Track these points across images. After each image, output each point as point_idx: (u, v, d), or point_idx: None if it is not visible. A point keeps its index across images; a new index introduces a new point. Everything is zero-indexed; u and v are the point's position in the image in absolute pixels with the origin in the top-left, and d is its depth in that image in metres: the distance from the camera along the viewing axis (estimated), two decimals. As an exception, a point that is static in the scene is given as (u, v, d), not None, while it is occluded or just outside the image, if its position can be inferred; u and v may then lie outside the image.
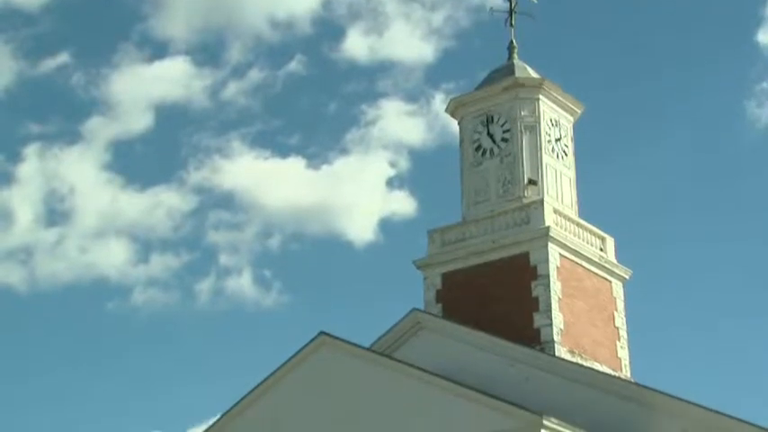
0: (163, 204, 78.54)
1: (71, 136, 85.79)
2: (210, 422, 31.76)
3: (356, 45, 79.56)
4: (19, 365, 79.31)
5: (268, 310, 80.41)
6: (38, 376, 79.49)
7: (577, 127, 39.05)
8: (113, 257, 78.18)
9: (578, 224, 36.39)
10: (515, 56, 38.93)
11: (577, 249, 35.48)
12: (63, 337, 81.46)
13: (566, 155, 38.09)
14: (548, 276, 34.08)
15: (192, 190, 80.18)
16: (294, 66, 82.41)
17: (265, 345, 75.80)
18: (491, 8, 40.05)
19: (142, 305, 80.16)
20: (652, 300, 65.92)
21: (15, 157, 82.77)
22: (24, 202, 77.99)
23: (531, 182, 36.44)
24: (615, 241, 37.28)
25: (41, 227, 79.98)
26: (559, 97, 38.20)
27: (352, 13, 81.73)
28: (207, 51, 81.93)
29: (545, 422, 26.54)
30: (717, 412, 28.42)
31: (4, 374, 78.20)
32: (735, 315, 71.03)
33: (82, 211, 79.90)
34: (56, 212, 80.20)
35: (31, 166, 78.17)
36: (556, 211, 35.67)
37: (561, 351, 33.11)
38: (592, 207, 39.29)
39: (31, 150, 79.23)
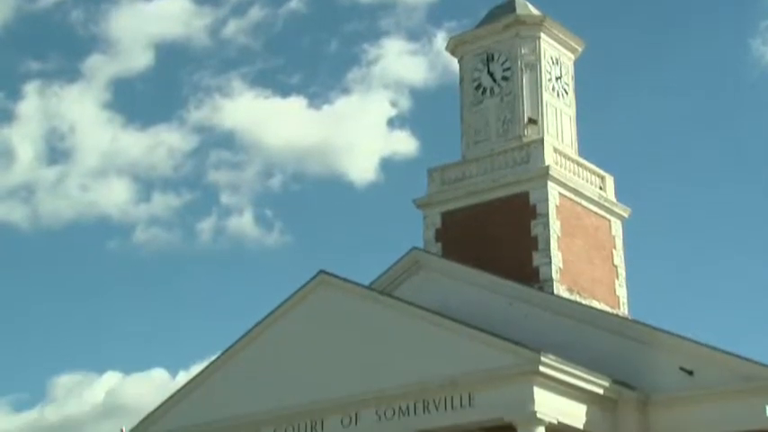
0: (163, 143, 78.44)
1: (71, 74, 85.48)
2: (212, 359, 32.03)
3: (358, -17, 79.09)
4: (22, 302, 79.74)
5: (269, 249, 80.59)
6: (40, 313, 79.92)
7: (578, 65, 38.90)
8: (115, 196, 78.26)
9: (578, 163, 36.36)
10: (516, -8, 38.56)
11: (577, 188, 35.49)
12: (66, 274, 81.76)
13: (566, 93, 37.95)
14: (547, 215, 34.13)
15: (192, 129, 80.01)
16: (295, 4, 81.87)
17: (266, 283, 76.18)
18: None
19: (144, 244, 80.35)
20: (651, 238, 66.06)
21: (15, 95, 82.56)
22: (25, 139, 77.90)
23: (531, 121, 36.35)
24: (615, 180, 37.30)
25: (42, 165, 79.96)
26: (560, 35, 37.96)
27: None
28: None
29: (543, 359, 26.73)
30: (713, 348, 28.61)
31: (7, 311, 78.72)
32: (733, 254, 71.24)
33: (83, 150, 79.83)
34: (56, 151, 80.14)
35: (31, 103, 77.99)
36: (556, 150, 35.61)
37: (560, 289, 33.26)
38: (592, 146, 39.30)
39: (30, 88, 78.95)
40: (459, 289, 32.51)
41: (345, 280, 30.24)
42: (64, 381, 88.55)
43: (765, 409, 27.53)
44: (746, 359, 28.06)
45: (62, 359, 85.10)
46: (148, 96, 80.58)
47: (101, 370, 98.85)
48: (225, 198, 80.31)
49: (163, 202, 79.15)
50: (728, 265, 71.89)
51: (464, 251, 34.33)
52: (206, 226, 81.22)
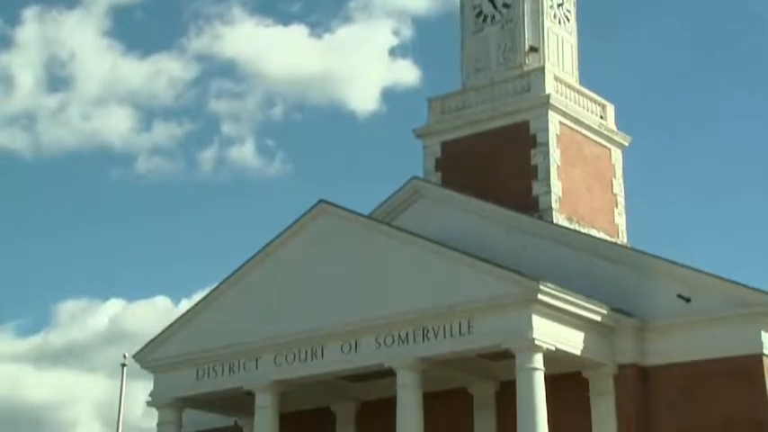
0: (164, 72, 78.14)
1: (70, 0, 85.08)
2: (213, 287, 32.22)
3: None
4: (23, 230, 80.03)
5: (270, 179, 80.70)
6: (43, 241, 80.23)
7: (580, -9, 38.52)
8: (116, 125, 78.19)
9: (579, 91, 36.24)
10: None
11: (577, 117, 35.41)
12: (69, 203, 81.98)
13: (568, 20, 37.66)
14: (547, 144, 34.11)
15: (193, 58, 79.67)
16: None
17: (267, 213, 76.36)
18: None
19: (146, 173, 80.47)
20: (651, 167, 66.07)
21: (14, 21, 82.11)
22: (25, 67, 77.61)
23: (533, 49, 36.12)
24: (615, 108, 37.19)
25: (43, 92, 79.74)
26: (561, -40, 37.54)
27: None
28: None
29: (542, 287, 26.91)
30: (710, 274, 28.78)
31: (11, 237, 79.02)
32: (732, 183, 71.30)
33: (83, 78, 79.61)
34: (57, 78, 79.85)
35: (30, 30, 77.56)
36: (556, 79, 35.47)
37: (559, 218, 33.35)
38: (593, 74, 39.12)
39: (29, 14, 78.57)
40: (459, 218, 32.59)
41: (345, 209, 30.33)
42: (68, 307, 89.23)
43: (761, 334, 27.79)
44: (743, 285, 28.24)
45: (66, 285, 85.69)
46: (148, 24, 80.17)
47: (104, 297, 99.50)
48: (226, 128, 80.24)
49: (164, 132, 79.10)
50: (728, 192, 72.03)
51: (464, 180, 34.35)
52: (207, 156, 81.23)
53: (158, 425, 31.84)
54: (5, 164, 78.74)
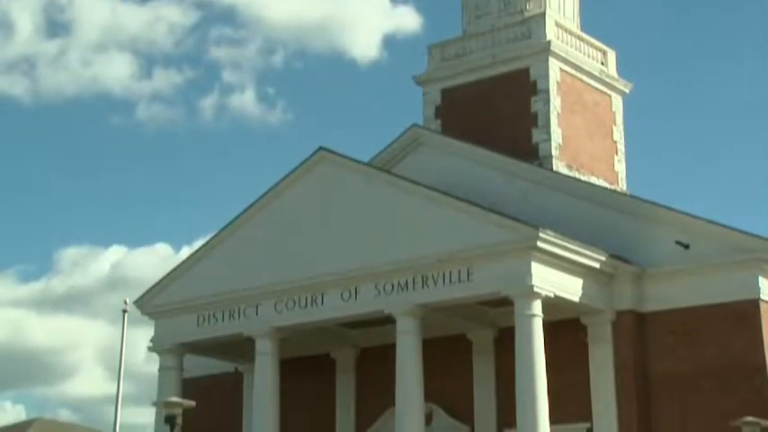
0: (163, 18, 77.96)
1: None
2: (213, 234, 32.30)
3: None
4: (26, 175, 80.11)
5: (271, 127, 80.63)
6: (45, 187, 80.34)
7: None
8: (116, 71, 78.03)
9: (580, 37, 36.06)
10: None
11: (578, 63, 35.28)
12: (69, 149, 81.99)
13: (568, -34, 37.37)
14: (547, 91, 34.02)
15: (192, 4, 79.43)
16: None
17: (268, 161, 76.42)
18: None
19: (146, 121, 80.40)
20: (651, 114, 65.96)
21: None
22: (23, 11, 77.30)
23: (534, -6, 35.88)
24: (616, 55, 37.03)
25: (42, 38, 79.56)
26: None
27: None
28: None
29: (541, 235, 26.99)
30: (709, 221, 28.87)
31: (12, 183, 79.12)
32: (733, 130, 71.20)
33: (82, 24, 79.31)
34: (56, 24, 79.64)
35: (28, -27, 77.18)
36: (557, 25, 35.28)
37: (559, 166, 33.35)
38: (594, 20, 38.93)
39: (26, -44, 78.06)
40: (459, 165, 32.60)
41: (345, 156, 30.32)
42: (70, 253, 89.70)
43: (758, 279, 27.94)
44: (740, 231, 28.34)
45: (68, 232, 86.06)
46: (146, -32, 79.62)
47: (106, 243, 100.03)
48: (227, 75, 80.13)
49: (164, 79, 78.97)
50: (727, 139, 71.94)
51: (464, 128, 34.30)
52: (208, 103, 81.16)
53: (160, 370, 32.09)
54: (5, 109, 78.74)
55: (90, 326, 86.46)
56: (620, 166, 36.00)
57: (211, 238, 32.11)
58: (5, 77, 77.36)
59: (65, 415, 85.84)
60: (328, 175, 30.26)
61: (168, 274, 32.47)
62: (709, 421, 27.35)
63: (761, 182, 71.20)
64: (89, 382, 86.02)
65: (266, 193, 31.14)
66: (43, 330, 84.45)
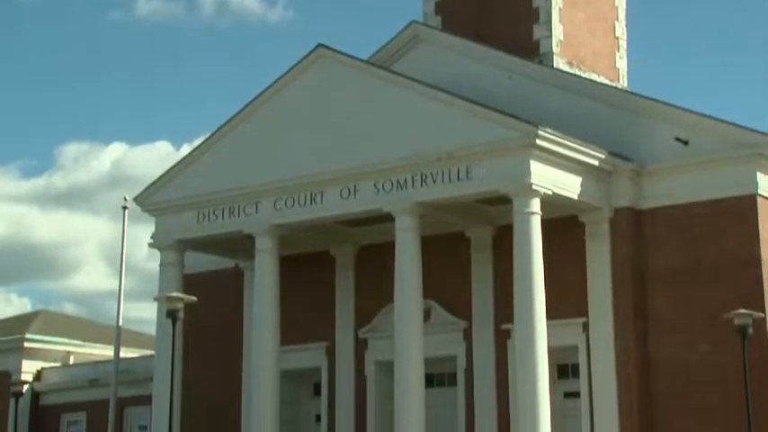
0: None
1: None
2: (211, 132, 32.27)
3: None
4: (23, 71, 79.69)
5: (271, 24, 79.86)
6: (45, 82, 79.98)
7: None
8: (114, -35, 76.96)
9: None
10: None
11: (580, -42, 34.80)
12: (68, 45, 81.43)
13: None
14: (549, -14, 33.63)
15: None
16: None
17: (268, 59, 75.95)
18: None
19: (146, 16, 79.64)
20: (654, 9, 65.21)
21: None
22: None
23: None
24: (619, -52, 36.49)
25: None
26: None
27: None
28: None
29: (540, 132, 26.95)
30: (708, 116, 28.78)
31: (9, 79, 78.76)
32: (735, 29, 70.47)
33: None
34: None
35: None
36: None
37: (560, 62, 33.13)
38: None
39: None
40: (459, 63, 32.39)
41: (344, 53, 30.12)
42: (71, 149, 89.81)
43: (756, 175, 27.98)
44: (740, 126, 28.28)
45: (69, 128, 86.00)
46: None
47: (107, 140, 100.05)
48: (227, -30, 78.98)
49: (163, -27, 77.88)
50: (730, 34, 71.26)
51: (464, 25, 33.95)
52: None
53: (161, 265, 32.34)
54: (3, 2, 77.95)
55: (92, 222, 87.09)
56: (622, 63, 35.75)
57: (210, 135, 32.07)
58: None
59: (69, 308, 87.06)
60: (327, 73, 30.09)
61: (168, 170, 32.52)
62: (703, 314, 27.69)
63: (762, 77, 70.81)
64: (93, 278, 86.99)
65: (265, 90, 31.01)
66: (46, 226, 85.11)
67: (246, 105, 31.33)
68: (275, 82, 30.81)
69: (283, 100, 30.70)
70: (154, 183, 32.58)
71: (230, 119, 31.55)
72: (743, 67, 72.10)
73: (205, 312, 32.47)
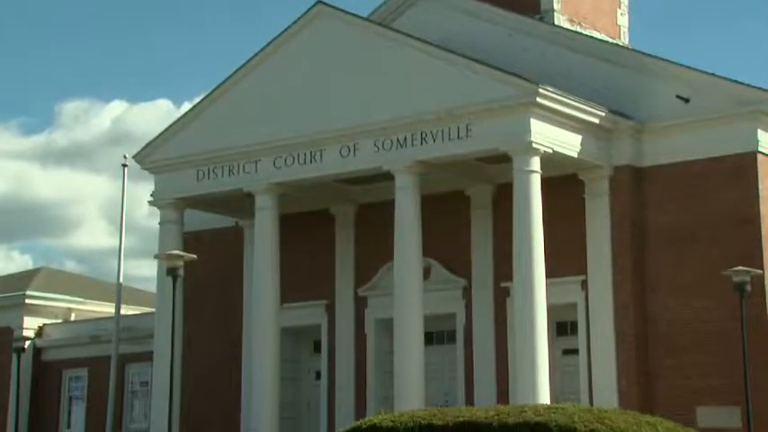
0: None
1: None
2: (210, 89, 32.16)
3: None
4: (23, 28, 79.21)
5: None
6: (44, 38, 79.50)
7: None
8: None
9: None
10: None
11: None
12: (67, 2, 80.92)
13: None
14: (551, -59, 33.34)
15: None
16: None
17: (270, 16, 75.52)
18: None
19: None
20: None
21: None
22: None
23: None
24: None
25: None
26: None
27: None
28: None
29: (540, 90, 26.88)
30: (709, 74, 28.66)
31: (9, 35, 78.39)
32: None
33: None
34: None
35: None
36: None
37: (561, 20, 32.96)
38: None
39: None
40: (459, 21, 32.20)
41: (343, 11, 29.95)
42: (71, 107, 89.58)
43: (756, 132, 27.93)
44: (741, 83, 28.19)
45: (69, 85, 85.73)
46: None
47: (107, 98, 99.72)
48: (226, -77, 78.31)
49: (161, -73, 77.27)
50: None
51: (464, -19, 33.69)
52: (207, -47, 79.56)
53: (161, 223, 32.37)
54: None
55: (93, 180, 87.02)
56: (623, 20, 35.56)
57: (210, 93, 31.95)
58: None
59: (70, 266, 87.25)
60: (326, 30, 29.95)
61: (167, 128, 32.45)
62: (701, 271, 27.76)
63: (764, 35, 70.47)
64: (93, 235, 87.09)
65: (264, 47, 30.87)
66: (47, 183, 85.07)
67: (245, 63, 31.20)
68: (274, 40, 30.67)
69: (283, 57, 30.57)
70: (153, 141, 32.53)
71: (229, 76, 31.44)
72: (745, 26, 71.75)
73: (205, 270, 32.54)
